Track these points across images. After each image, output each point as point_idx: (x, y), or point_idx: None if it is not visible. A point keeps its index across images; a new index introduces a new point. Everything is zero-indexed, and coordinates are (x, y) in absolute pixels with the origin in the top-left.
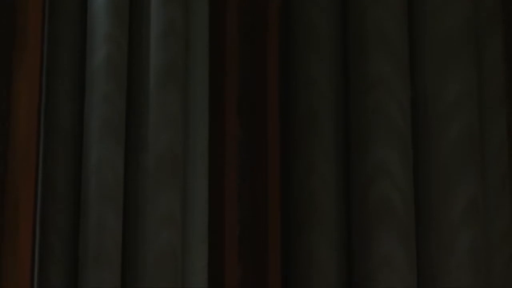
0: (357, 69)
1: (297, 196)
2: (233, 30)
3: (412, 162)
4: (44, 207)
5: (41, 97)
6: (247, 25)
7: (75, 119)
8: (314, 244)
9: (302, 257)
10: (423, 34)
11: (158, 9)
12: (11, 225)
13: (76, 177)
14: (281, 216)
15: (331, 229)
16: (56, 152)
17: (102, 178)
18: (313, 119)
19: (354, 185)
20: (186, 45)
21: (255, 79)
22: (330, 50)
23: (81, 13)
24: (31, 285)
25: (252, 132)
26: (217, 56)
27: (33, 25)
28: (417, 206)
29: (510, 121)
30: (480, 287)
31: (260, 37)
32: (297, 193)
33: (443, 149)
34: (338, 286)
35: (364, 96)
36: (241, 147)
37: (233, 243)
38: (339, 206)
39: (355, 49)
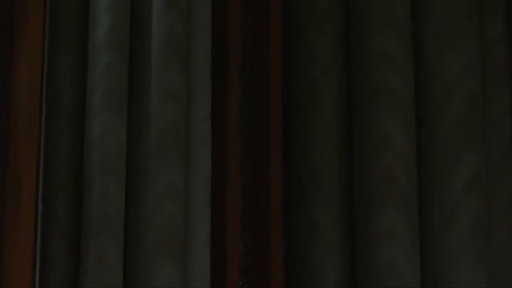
0: (360, 43)
1: (299, 171)
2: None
3: (415, 135)
4: (46, 179)
5: (43, 69)
6: None
7: (77, 91)
8: (317, 220)
9: (304, 231)
10: (426, 8)
11: None
12: (13, 198)
13: (78, 149)
14: (283, 189)
15: (334, 204)
16: (58, 124)
17: (105, 149)
18: (314, 94)
19: (356, 158)
20: (188, 17)
21: (258, 50)
22: (332, 25)
23: None
24: (33, 258)
25: (255, 104)
26: (219, 28)
27: None
28: (420, 178)
29: None
30: (482, 259)
31: (263, 9)
32: (299, 167)
33: (446, 121)
34: (341, 260)
35: (367, 70)
36: (244, 118)
37: (236, 214)
38: (341, 181)
39: (357, 23)
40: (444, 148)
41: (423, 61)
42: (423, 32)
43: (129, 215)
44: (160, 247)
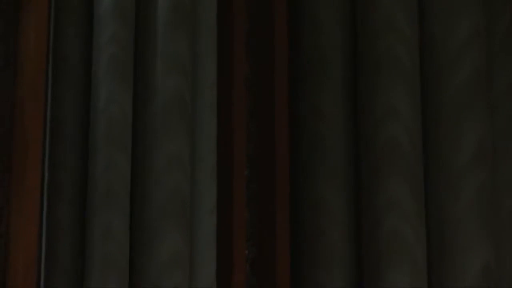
0: (365, 13)
1: (305, 139)
2: None
3: (420, 105)
4: (53, 147)
5: (49, 36)
6: None
7: (83, 59)
8: (322, 193)
9: (310, 199)
10: None
11: None
12: (19, 166)
13: (84, 117)
14: (289, 157)
15: (340, 172)
16: (64, 92)
17: (110, 118)
18: (321, 65)
19: (362, 128)
20: None
21: (264, 21)
22: None
23: None
24: (39, 225)
25: (261, 74)
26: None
27: None
28: (425, 149)
29: None
30: (487, 228)
31: None
32: (305, 136)
33: (452, 90)
34: (346, 229)
35: (372, 40)
36: (250, 88)
37: (241, 183)
38: (347, 150)
39: None
40: (449, 119)
41: (428, 30)
42: (428, 1)
43: (134, 185)
44: (166, 216)
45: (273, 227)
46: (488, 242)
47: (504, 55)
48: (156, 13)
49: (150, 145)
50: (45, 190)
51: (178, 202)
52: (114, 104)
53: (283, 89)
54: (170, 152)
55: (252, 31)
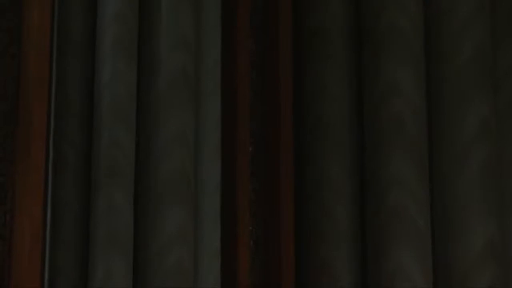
0: None
1: (309, 116)
2: None
3: (425, 81)
4: (57, 122)
5: (54, 12)
6: None
7: (88, 36)
8: (327, 168)
9: (314, 175)
10: None
11: None
12: (24, 143)
13: (89, 93)
14: (293, 134)
15: (343, 148)
16: (68, 68)
17: (114, 95)
18: (325, 40)
19: (366, 105)
20: None
21: None
22: None
23: None
24: (44, 198)
25: (265, 48)
26: None
27: None
28: (429, 126)
29: None
30: (491, 204)
31: None
32: (309, 112)
33: (456, 67)
34: (350, 204)
35: (376, 15)
36: (254, 63)
37: (245, 159)
38: (351, 126)
39: None
40: (453, 96)
41: (432, 6)
42: None
43: (139, 161)
44: (170, 191)
45: (278, 203)
46: (491, 218)
47: (507, 35)
48: None
49: (155, 121)
50: (50, 166)
51: (182, 178)
52: (119, 82)
53: (288, 65)
54: (174, 128)
55: (257, 7)
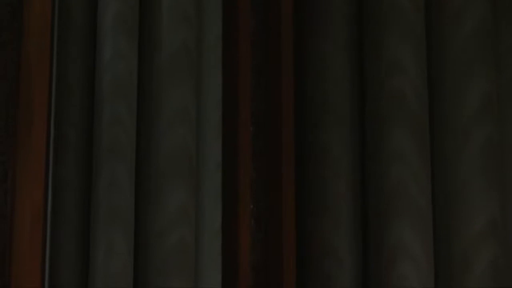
0: None
1: (310, 93)
2: None
3: (426, 58)
4: (58, 102)
5: None
6: None
7: (89, 15)
8: (327, 138)
9: (315, 151)
10: None
11: None
12: (25, 123)
13: (90, 72)
14: (294, 111)
15: (345, 124)
16: (70, 48)
17: (116, 71)
18: (326, 19)
19: (368, 82)
20: None
21: None
22: None
23: None
24: (45, 178)
25: (266, 28)
26: None
27: None
28: (431, 103)
29: None
30: (492, 182)
31: None
32: (310, 89)
33: (457, 44)
34: (351, 180)
35: None
36: (255, 42)
37: (247, 138)
38: (352, 101)
39: None
40: (455, 72)
41: None
42: None
43: (141, 139)
44: (171, 169)
45: (279, 181)
46: (493, 197)
47: (510, 12)
48: None
49: (156, 98)
50: (51, 145)
51: (183, 156)
52: (120, 60)
53: (289, 44)
54: (176, 104)
55: None
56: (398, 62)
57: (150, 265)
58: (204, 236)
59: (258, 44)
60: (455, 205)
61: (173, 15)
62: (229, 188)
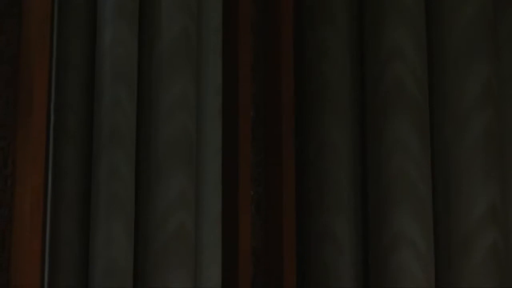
0: None
1: (310, 80)
2: None
3: (426, 45)
4: (58, 86)
5: None
6: None
7: (89, 2)
8: (328, 130)
9: (316, 138)
10: None
11: None
12: (25, 107)
13: (91, 57)
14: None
15: (345, 112)
16: (70, 33)
17: (116, 59)
18: (326, 7)
19: (368, 68)
20: None
21: None
22: None
23: None
24: (45, 163)
25: (266, 14)
26: None
27: None
28: (431, 90)
29: None
30: (492, 168)
31: None
32: (310, 77)
33: (457, 29)
34: (353, 168)
35: None
36: (255, 28)
37: (246, 126)
38: (353, 90)
39: None
40: (455, 59)
41: None
42: None
43: (141, 124)
44: (172, 155)
45: (279, 167)
46: (493, 183)
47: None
48: None
49: (156, 83)
50: (51, 130)
51: (183, 142)
52: (120, 46)
53: (289, 31)
54: (176, 90)
55: None
56: (398, 49)
57: (150, 252)
58: (204, 222)
59: (258, 30)
60: (455, 191)
61: (173, 2)
62: (229, 174)
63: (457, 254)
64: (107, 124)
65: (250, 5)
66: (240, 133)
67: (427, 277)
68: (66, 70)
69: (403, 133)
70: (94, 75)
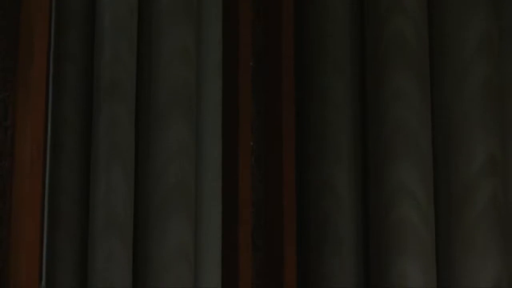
0: None
1: (311, 43)
2: None
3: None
4: (58, 37)
5: None
6: None
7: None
8: (327, 82)
9: (316, 92)
10: None
11: None
12: (25, 57)
13: (90, 9)
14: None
15: (345, 65)
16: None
17: (116, 11)
18: None
19: (368, 22)
20: None
21: None
22: None
23: None
24: (45, 114)
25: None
26: None
27: None
28: (431, 42)
29: None
30: (491, 121)
31: None
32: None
33: None
34: (352, 123)
35: None
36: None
37: (247, 77)
38: (353, 47)
39: None
40: (455, 12)
41: None
42: None
43: (141, 77)
44: (172, 106)
45: (279, 119)
46: (493, 134)
47: None
48: None
49: (156, 36)
50: (50, 82)
51: (183, 93)
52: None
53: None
54: (176, 43)
55: None
56: (399, 1)
57: (150, 203)
58: (204, 172)
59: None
60: (455, 142)
61: None
62: (229, 126)
63: (457, 205)
64: (107, 76)
65: None
66: (240, 84)
67: (427, 229)
68: (66, 20)
69: (403, 85)
70: (94, 26)
